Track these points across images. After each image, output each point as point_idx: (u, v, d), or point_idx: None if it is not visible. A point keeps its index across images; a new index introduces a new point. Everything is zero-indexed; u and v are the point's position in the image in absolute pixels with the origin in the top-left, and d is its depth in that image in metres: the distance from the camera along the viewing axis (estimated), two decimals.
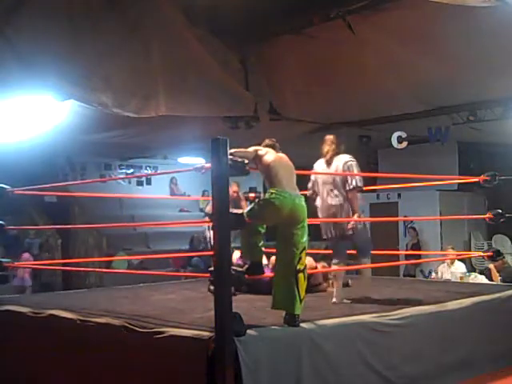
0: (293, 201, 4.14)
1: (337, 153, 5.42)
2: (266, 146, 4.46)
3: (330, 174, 5.43)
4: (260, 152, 4.33)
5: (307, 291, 4.18)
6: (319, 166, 5.51)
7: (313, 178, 5.53)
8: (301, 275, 4.07)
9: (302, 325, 4.04)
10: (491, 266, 8.80)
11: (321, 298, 5.39)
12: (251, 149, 4.32)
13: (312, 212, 4.43)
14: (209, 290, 5.75)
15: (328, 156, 5.42)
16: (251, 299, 5.16)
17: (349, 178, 5.31)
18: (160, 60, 6.32)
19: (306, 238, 4.19)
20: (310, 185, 5.54)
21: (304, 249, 4.15)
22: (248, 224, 4.12)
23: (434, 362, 4.77)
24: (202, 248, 11.19)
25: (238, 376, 3.54)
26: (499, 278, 8.68)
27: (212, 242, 3.98)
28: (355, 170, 5.34)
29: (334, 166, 5.39)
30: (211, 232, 7.91)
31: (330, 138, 5.52)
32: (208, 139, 3.79)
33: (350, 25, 6.45)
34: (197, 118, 7.65)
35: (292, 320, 4.01)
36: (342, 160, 5.37)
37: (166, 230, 13.11)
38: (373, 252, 6.33)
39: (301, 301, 4.05)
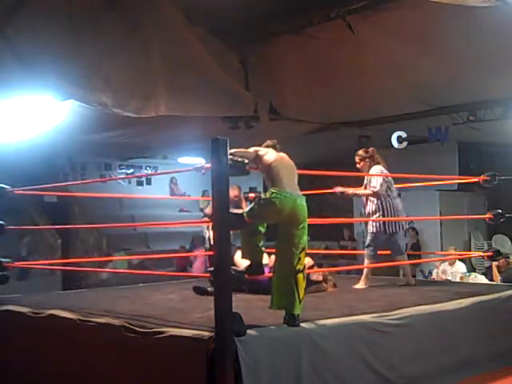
0: (293, 200, 4.14)
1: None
2: (267, 146, 4.46)
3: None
4: (260, 152, 4.33)
5: (308, 287, 4.21)
6: (384, 171, 6.40)
7: (386, 179, 6.32)
8: (300, 275, 4.07)
9: (302, 325, 4.04)
10: (494, 264, 8.79)
11: (321, 298, 5.39)
12: (251, 149, 4.32)
13: (311, 212, 4.42)
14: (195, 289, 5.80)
15: (387, 166, 6.51)
16: (251, 299, 5.16)
17: None
18: (160, 60, 6.32)
19: (305, 239, 4.19)
20: (382, 185, 6.24)
21: (303, 249, 4.15)
22: (248, 224, 4.13)
23: (433, 362, 4.77)
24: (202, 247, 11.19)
25: (238, 376, 3.54)
26: (499, 278, 8.68)
27: (211, 241, 4.02)
28: None
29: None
30: (210, 232, 7.93)
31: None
32: (208, 139, 3.79)
33: (350, 25, 6.45)
34: (197, 117, 7.64)
35: (292, 320, 4.02)
36: None
37: (166, 230, 13.11)
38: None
39: (300, 301, 4.05)
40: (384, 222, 6.26)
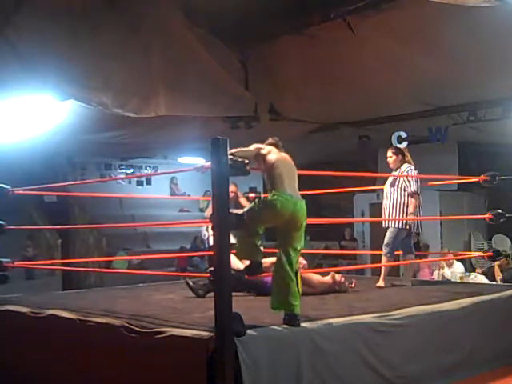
0: (294, 204, 4.14)
1: None
2: (269, 144, 4.43)
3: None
4: (263, 151, 4.29)
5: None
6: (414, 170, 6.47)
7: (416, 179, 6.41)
8: (297, 275, 4.11)
9: (302, 325, 4.04)
10: (496, 264, 8.79)
11: (321, 298, 5.39)
12: (252, 146, 4.28)
13: (311, 212, 4.42)
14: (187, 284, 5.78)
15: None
16: (251, 299, 5.16)
17: None
18: (160, 60, 6.33)
19: (303, 241, 4.22)
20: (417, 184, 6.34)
21: (299, 251, 4.20)
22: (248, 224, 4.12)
23: (433, 362, 4.77)
24: (203, 248, 11.18)
25: (238, 376, 3.54)
26: (500, 278, 8.68)
27: (210, 241, 4.02)
28: None
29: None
30: (209, 232, 7.92)
31: None
32: (208, 139, 3.79)
33: (350, 25, 6.45)
34: (197, 117, 7.64)
35: (292, 320, 4.02)
36: None
37: (166, 230, 13.12)
38: (373, 252, 6.42)
39: (298, 300, 4.06)
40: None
